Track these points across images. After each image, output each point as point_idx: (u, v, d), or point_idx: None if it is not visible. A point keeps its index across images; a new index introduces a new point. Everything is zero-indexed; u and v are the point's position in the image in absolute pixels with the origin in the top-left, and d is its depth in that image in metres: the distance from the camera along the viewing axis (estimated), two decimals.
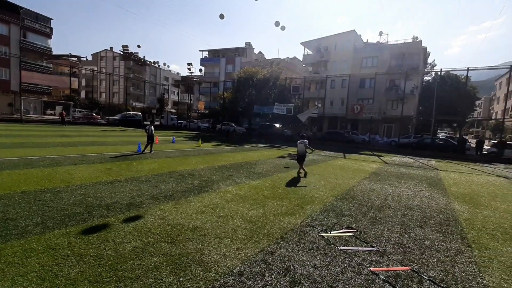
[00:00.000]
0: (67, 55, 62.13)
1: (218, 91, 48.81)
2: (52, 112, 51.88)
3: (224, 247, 3.38)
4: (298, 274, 2.89)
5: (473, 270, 3.25)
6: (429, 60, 49.86)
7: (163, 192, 5.65)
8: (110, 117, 35.42)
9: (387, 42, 41.31)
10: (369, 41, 45.39)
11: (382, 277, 2.94)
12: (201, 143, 17.22)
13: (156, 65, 72.93)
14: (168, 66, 77.14)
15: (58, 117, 30.07)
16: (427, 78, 44.94)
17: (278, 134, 30.69)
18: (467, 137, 38.97)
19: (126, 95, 62.79)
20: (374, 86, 29.36)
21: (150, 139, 11.54)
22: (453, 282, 2.96)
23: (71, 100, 48.05)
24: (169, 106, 62.48)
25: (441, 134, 46.57)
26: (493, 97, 73.83)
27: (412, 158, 17.83)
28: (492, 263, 3.48)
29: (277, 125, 32.30)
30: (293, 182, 7.66)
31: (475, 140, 27.52)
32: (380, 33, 42.59)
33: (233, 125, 35.65)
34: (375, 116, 27.39)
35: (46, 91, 43.10)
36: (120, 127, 32.07)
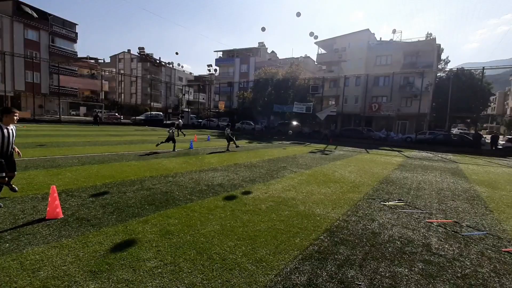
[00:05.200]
0: (85, 58, 64.80)
1: (232, 90, 50.49)
2: (74, 113, 54.54)
3: (322, 208, 5.01)
4: (380, 221, 4.50)
5: (496, 222, 4.80)
6: (443, 57, 50.30)
7: (247, 177, 7.32)
8: (136, 117, 37.59)
9: (400, 40, 42.09)
10: (382, 39, 46.25)
11: (435, 224, 4.52)
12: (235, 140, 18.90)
13: (171, 65, 75.19)
14: (182, 67, 79.35)
15: (92, 118, 32.23)
16: (440, 74, 45.40)
17: (297, 132, 32.25)
18: (481, 133, 39.57)
19: (143, 96, 65.23)
20: (391, 84, 30.37)
21: (230, 140, 14.17)
22: (484, 227, 4.51)
23: (91, 101, 50.69)
24: (184, 106, 64.63)
25: (454, 130, 47.10)
26: (508, 92, 73.35)
27: (430, 153, 19.13)
28: (509, 219, 5.01)
29: (295, 123, 33.89)
30: (336, 171, 9.23)
31: (490, 135, 28.39)
32: (394, 31, 43.33)
33: (252, 123, 37.40)
34: (392, 114, 28.56)
35: (73, 93, 45.67)
36: (147, 126, 34.18)
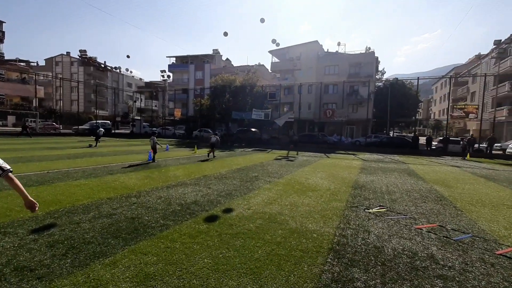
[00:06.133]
0: (14, 60, 56.35)
1: (188, 97, 48.74)
2: (1, 123, 46.59)
3: (314, 223, 4.68)
4: (375, 232, 4.33)
5: (472, 223, 5.04)
6: (380, 68, 56.05)
7: (222, 191, 6.69)
8: (80, 127, 33.48)
9: (344, 51, 45.64)
10: (329, 51, 49.62)
11: (424, 230, 4.53)
12: (196, 149, 17.89)
13: (118, 70, 69.67)
14: (131, 72, 74.10)
15: (20, 129, 27.20)
16: (378, 83, 50.24)
17: (256, 139, 32.22)
18: (411, 135, 44.70)
19: (87, 103, 58.97)
20: (343, 92, 32.43)
21: (212, 147, 14.81)
22: (466, 229, 4.67)
23: (22, 108, 43.92)
24: (134, 113, 60.16)
25: (391, 133, 52.41)
26: (431, 99, 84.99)
27: (380, 155, 20.66)
28: (480, 218, 5.32)
29: (254, 130, 33.88)
30: (309, 178, 9.13)
31: (425, 137, 32.12)
32: (338, 44, 46.89)
33: (210, 131, 36.33)
34: (344, 119, 30.39)
35: None
36: (93, 136, 30.62)
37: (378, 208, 5.81)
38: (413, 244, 3.94)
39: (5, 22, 40.18)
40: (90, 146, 18.42)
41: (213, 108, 35.19)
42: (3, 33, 40.07)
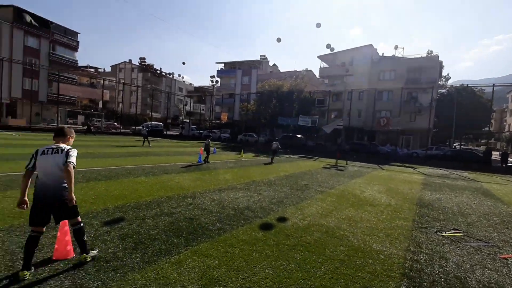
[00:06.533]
0: (86, 67, 64.69)
1: (234, 102, 50.19)
2: (72, 121, 53.76)
3: (378, 242, 4.25)
4: (454, 260, 3.76)
5: None
6: (444, 73, 50.69)
7: (274, 198, 6.58)
8: (137, 127, 36.86)
9: (402, 56, 42.32)
10: (384, 55, 46.57)
11: (511, 261, 3.80)
12: (243, 153, 18.19)
13: (171, 76, 75.24)
14: (183, 77, 79.43)
15: (85, 127, 30.81)
16: (441, 90, 45.28)
17: (301, 145, 31.60)
18: (481, 149, 39.10)
19: (143, 106, 64.76)
20: (400, 99, 30.12)
21: (274, 153, 15.48)
22: None
23: (89, 109, 50.14)
24: (183, 116, 64.05)
25: (456, 146, 46.68)
26: (505, 109, 74.07)
27: (444, 170, 18.50)
28: None
29: (299, 136, 33.33)
30: (364, 191, 8.50)
31: (499, 152, 27.98)
32: (396, 47, 43.59)
33: (255, 135, 36.78)
34: (400, 129, 28.12)
35: (71, 101, 44.92)
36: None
37: (452, 231, 5.09)
38: (500, 277, 3.31)
39: (79, 33, 46.31)
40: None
41: (259, 113, 35.61)
42: (78, 42, 46.15)
